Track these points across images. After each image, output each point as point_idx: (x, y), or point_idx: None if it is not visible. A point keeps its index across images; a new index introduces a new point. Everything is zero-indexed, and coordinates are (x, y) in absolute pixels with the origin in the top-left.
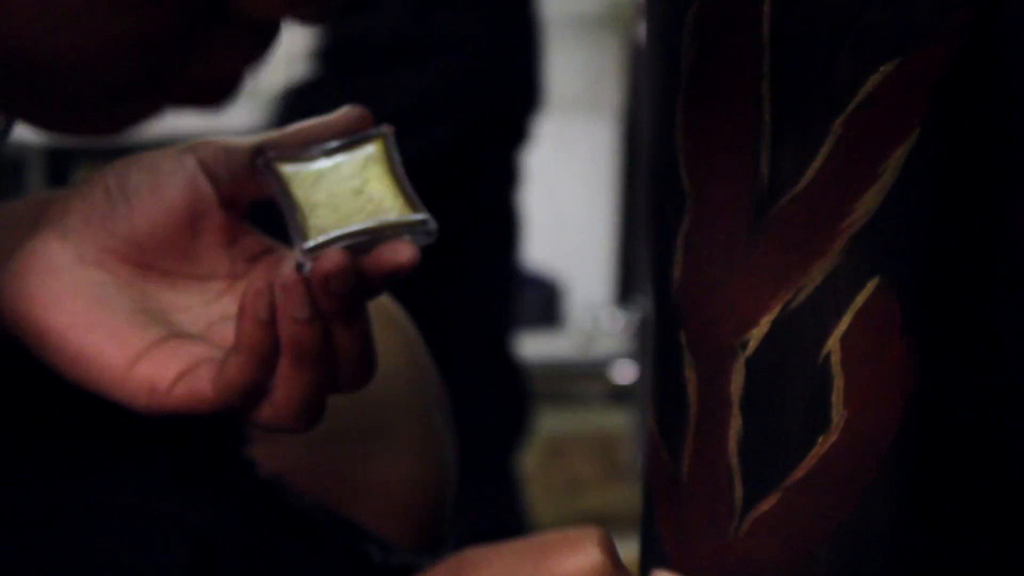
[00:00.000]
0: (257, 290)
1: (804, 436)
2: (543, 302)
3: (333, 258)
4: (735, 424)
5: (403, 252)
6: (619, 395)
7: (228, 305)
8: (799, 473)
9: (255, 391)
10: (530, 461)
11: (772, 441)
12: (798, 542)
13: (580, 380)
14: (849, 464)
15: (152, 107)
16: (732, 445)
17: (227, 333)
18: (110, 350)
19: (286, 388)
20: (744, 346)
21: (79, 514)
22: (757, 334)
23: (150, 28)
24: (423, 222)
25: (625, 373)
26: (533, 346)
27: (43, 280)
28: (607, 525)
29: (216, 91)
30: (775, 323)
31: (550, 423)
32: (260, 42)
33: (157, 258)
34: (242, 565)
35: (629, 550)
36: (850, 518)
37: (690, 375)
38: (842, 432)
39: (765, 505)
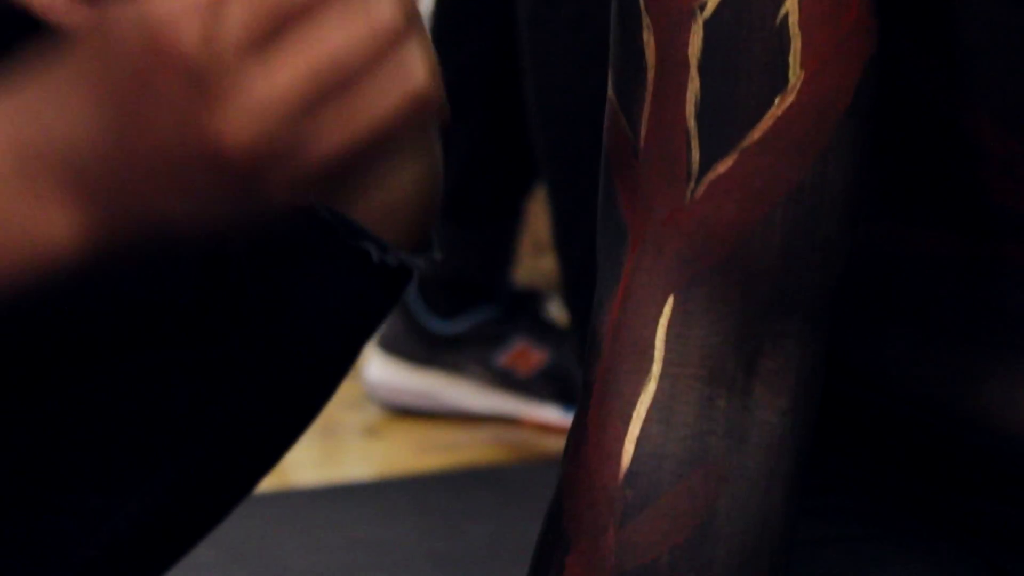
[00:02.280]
0: None
1: (761, 97)
2: None
3: None
4: (693, 87)
5: None
6: None
7: None
8: (756, 134)
9: None
10: None
11: (730, 103)
12: (754, 204)
13: None
14: (806, 125)
15: None
16: (690, 108)
17: None
18: None
19: None
20: (702, 7)
21: None
22: None
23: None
24: None
25: None
26: None
27: None
28: None
29: None
30: None
31: None
32: None
33: None
34: (245, 257)
35: None
36: (806, 180)
37: (648, 39)
38: (799, 93)
39: (722, 167)
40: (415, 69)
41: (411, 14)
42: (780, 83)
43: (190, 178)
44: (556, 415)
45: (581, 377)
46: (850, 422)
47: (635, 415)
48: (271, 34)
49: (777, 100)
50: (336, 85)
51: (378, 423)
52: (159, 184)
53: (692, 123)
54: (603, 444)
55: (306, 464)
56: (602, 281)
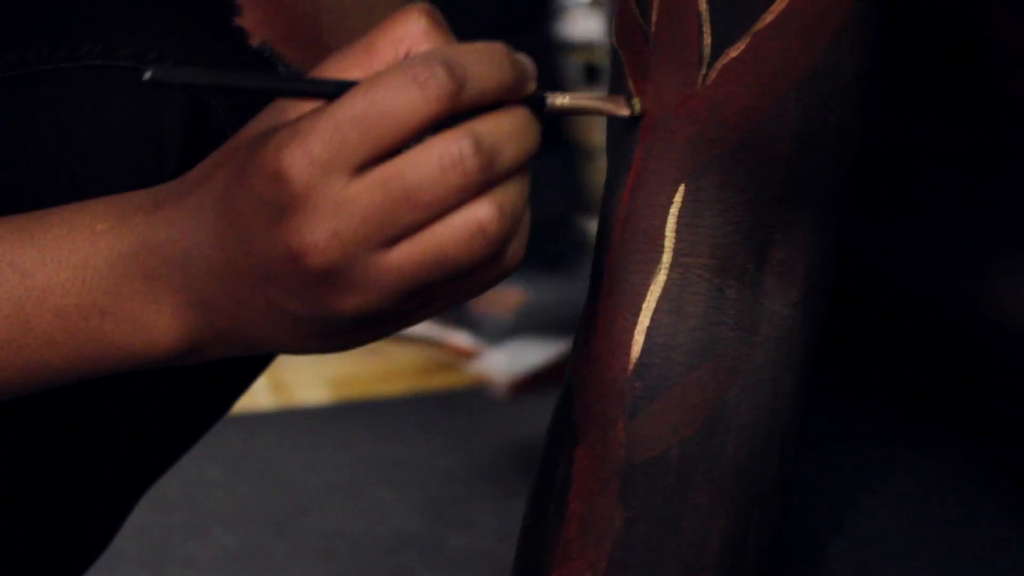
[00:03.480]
0: None
1: None
2: None
3: None
4: None
5: None
6: (590, 74)
7: None
8: (768, 17)
9: None
10: None
11: None
12: (767, 89)
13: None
14: (818, 9)
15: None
16: None
17: None
18: None
19: None
20: None
21: (75, 77)
22: None
23: None
24: None
25: (597, 49)
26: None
27: None
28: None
29: None
30: None
31: None
32: None
33: None
34: (235, 127)
35: None
36: (819, 64)
37: None
38: None
39: (733, 52)
40: (512, 262)
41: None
42: None
43: (274, 294)
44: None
45: (591, 266)
46: (857, 318)
47: (645, 306)
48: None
49: None
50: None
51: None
52: (249, 299)
53: (704, 6)
54: (612, 335)
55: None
56: (612, 169)
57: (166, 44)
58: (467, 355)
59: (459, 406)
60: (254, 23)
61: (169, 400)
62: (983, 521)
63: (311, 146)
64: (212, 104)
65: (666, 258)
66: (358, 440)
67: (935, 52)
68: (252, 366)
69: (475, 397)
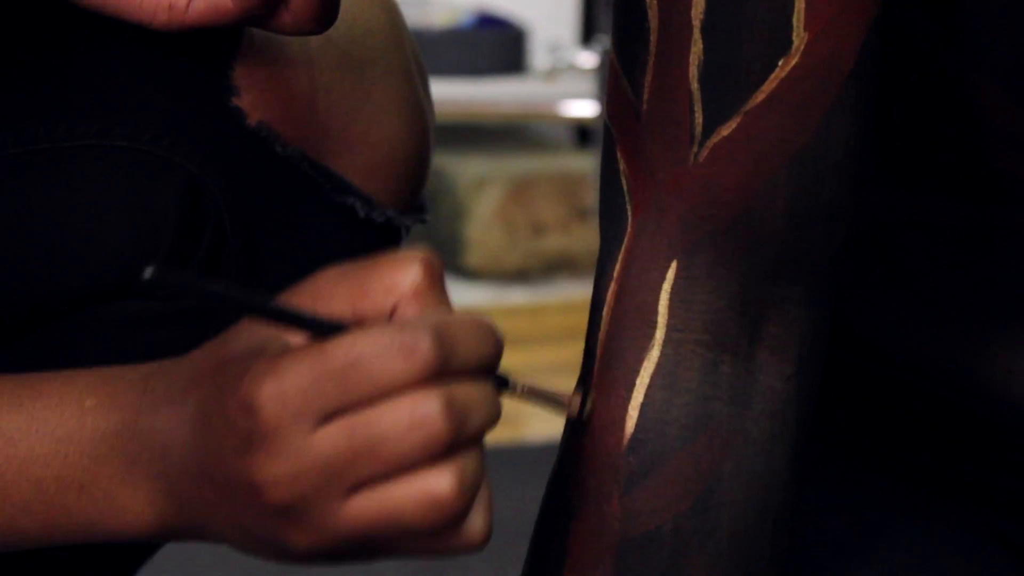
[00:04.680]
0: None
1: (765, 59)
2: (507, 46)
3: None
4: (696, 49)
5: None
6: (583, 136)
7: None
8: (760, 97)
9: (272, 2)
10: (493, 203)
11: (733, 65)
12: (758, 167)
13: (544, 121)
14: (810, 88)
15: None
16: (693, 70)
17: None
18: None
19: None
20: None
21: (70, 156)
22: None
23: None
24: None
25: (589, 112)
26: (497, 88)
27: None
28: (570, 267)
29: None
30: None
31: (513, 165)
32: None
33: None
34: (230, 210)
35: (589, 290)
36: (810, 143)
37: (651, 1)
38: (803, 55)
39: (725, 130)
40: (475, 536)
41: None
42: (784, 45)
43: (237, 511)
44: None
45: (584, 342)
46: (852, 391)
47: (639, 381)
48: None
49: (781, 62)
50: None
51: None
52: (216, 506)
53: (695, 85)
54: (606, 411)
55: None
56: (604, 247)
57: (162, 124)
58: None
59: None
60: (251, 103)
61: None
62: None
63: (286, 387)
64: (208, 185)
65: (659, 334)
66: None
67: (931, 129)
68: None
69: None
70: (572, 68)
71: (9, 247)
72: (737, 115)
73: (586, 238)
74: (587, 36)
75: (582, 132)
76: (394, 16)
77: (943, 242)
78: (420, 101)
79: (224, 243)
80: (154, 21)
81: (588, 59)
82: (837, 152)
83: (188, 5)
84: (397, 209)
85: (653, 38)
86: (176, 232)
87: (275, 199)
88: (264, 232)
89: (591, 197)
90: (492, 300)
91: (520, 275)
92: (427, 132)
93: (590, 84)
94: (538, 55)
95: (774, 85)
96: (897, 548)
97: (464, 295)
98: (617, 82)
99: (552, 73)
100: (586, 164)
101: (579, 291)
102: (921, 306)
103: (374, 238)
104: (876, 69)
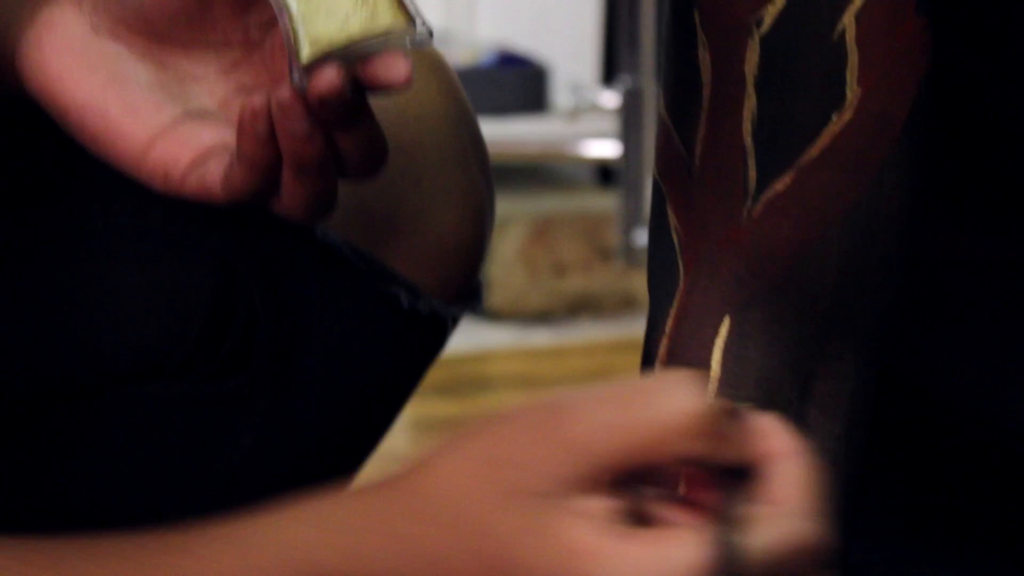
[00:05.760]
0: (254, 110)
1: (819, 114)
2: (528, 84)
3: (328, 77)
4: (749, 104)
5: (397, 69)
6: (605, 176)
7: (243, 75)
8: (813, 152)
9: (261, 196)
10: (515, 243)
11: (787, 120)
12: (812, 222)
13: (566, 160)
14: (863, 143)
15: None
16: (747, 126)
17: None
18: (126, 131)
19: (292, 192)
20: (759, 23)
21: (104, 237)
22: (772, 10)
23: None
24: (419, 29)
25: (611, 152)
26: (519, 128)
27: (60, 55)
28: (591, 307)
29: None
30: None
31: (536, 205)
32: None
33: (171, 28)
34: (265, 294)
35: (612, 331)
36: (863, 198)
37: (704, 56)
38: (856, 110)
39: (779, 185)
40: None
41: None
42: (837, 99)
43: None
44: None
45: None
46: (899, 435)
47: None
48: None
49: (834, 117)
50: None
51: None
52: None
53: (749, 140)
54: None
55: None
56: (655, 302)
57: (197, 206)
58: None
59: None
60: None
61: None
62: None
63: None
64: (241, 271)
65: (712, 389)
66: None
67: (980, 166)
68: None
69: None
70: (594, 108)
71: (41, 325)
72: (791, 170)
73: (608, 279)
74: (609, 76)
75: (604, 172)
76: (454, 100)
77: (991, 280)
78: (476, 189)
79: (256, 327)
80: (152, 184)
81: (610, 99)
82: (890, 207)
83: (183, 178)
84: (445, 298)
85: (706, 93)
86: (207, 315)
87: (313, 285)
88: (300, 318)
89: (613, 237)
90: (515, 341)
91: (543, 316)
92: (482, 221)
93: (612, 124)
94: (560, 94)
95: (827, 140)
96: None
97: (486, 337)
98: (668, 138)
99: (574, 113)
100: (608, 204)
101: (602, 333)
102: (969, 347)
103: (419, 328)
104: (927, 121)
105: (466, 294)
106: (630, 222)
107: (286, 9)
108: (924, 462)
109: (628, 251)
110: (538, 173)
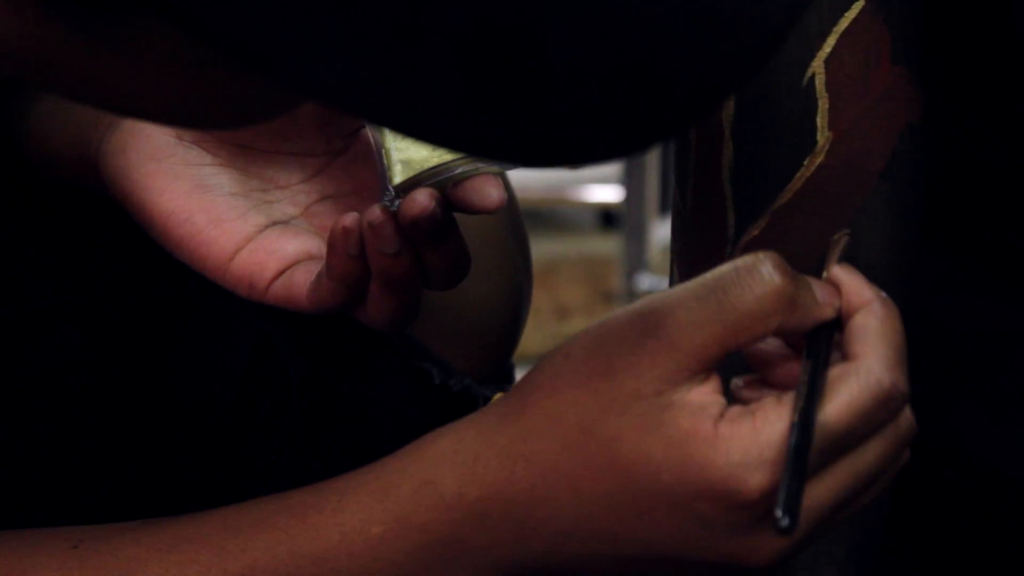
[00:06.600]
0: (346, 228)
1: (790, 159)
2: None
3: (420, 201)
4: (728, 152)
5: (491, 194)
6: (607, 220)
7: (326, 183)
8: (786, 196)
9: (347, 307)
10: None
11: (760, 166)
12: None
13: (568, 204)
14: (836, 188)
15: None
16: (725, 173)
17: (325, 216)
18: (211, 240)
19: (378, 304)
20: None
21: (142, 306)
22: None
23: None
24: None
25: (613, 196)
26: (521, 172)
27: (144, 162)
28: None
29: None
30: None
31: (538, 249)
32: None
33: (255, 138)
34: (300, 367)
35: None
36: None
37: None
38: (828, 154)
39: (755, 230)
40: None
41: None
42: (808, 144)
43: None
44: None
45: None
46: (920, 498)
47: None
48: None
49: (806, 161)
50: None
51: None
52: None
53: (728, 188)
54: None
55: None
56: None
57: None
58: None
59: None
60: None
61: None
62: None
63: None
64: (278, 343)
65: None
66: None
67: (992, 235)
68: None
69: None
70: None
71: (77, 397)
72: (765, 215)
73: None
74: None
75: (607, 216)
76: None
77: (1007, 347)
78: (512, 270)
79: (290, 398)
80: (236, 292)
81: None
82: (869, 253)
83: (267, 287)
84: (478, 376)
85: (693, 146)
86: (241, 385)
87: (347, 359)
88: (333, 390)
89: (616, 281)
90: None
91: None
92: (518, 302)
93: (614, 169)
94: None
95: (800, 184)
96: None
97: None
98: (675, 197)
99: None
100: (611, 248)
101: None
102: (991, 413)
103: (449, 405)
104: (915, 173)
105: (499, 375)
106: (632, 266)
107: (379, 130)
108: (945, 523)
109: (630, 294)
110: (541, 217)
